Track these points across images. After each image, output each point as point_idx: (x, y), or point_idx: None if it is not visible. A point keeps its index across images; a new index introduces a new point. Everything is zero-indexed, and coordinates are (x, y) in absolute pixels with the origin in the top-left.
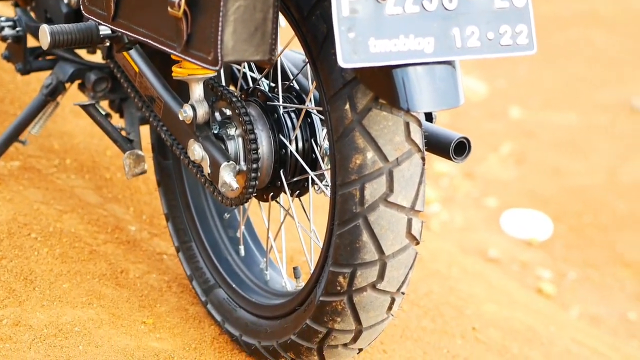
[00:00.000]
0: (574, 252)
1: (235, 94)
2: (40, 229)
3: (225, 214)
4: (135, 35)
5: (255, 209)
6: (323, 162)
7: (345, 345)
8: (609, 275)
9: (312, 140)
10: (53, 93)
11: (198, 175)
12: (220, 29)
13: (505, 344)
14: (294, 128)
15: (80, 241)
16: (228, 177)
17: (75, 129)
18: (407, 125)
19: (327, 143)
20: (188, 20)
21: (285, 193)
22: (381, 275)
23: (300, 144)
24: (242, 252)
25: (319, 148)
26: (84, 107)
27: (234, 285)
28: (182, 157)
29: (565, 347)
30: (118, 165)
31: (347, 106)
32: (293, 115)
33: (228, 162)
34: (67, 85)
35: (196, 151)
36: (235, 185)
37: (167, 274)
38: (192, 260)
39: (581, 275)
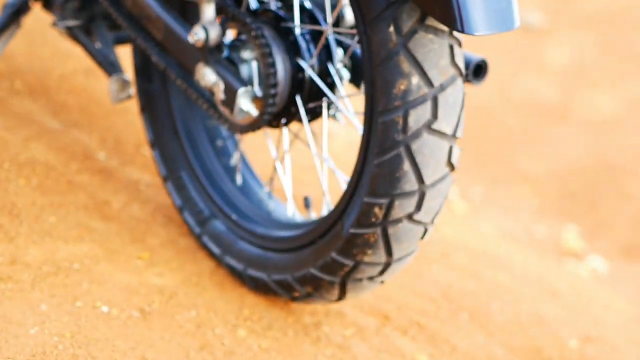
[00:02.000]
0: (475, 169)
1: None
2: (10, 159)
3: (218, 141)
4: None
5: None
6: (341, 85)
7: (371, 278)
8: (512, 190)
9: (329, 63)
10: (17, 13)
11: (202, 102)
12: None
13: (476, 268)
14: (309, 50)
15: (54, 171)
16: (246, 104)
17: (15, 50)
18: (451, 48)
19: (340, 66)
20: None
21: (301, 120)
22: (419, 206)
23: (317, 68)
24: (240, 181)
25: (336, 71)
26: (68, 29)
27: (234, 217)
28: (181, 82)
29: (524, 268)
30: (68, 88)
31: (391, 28)
32: (308, 37)
33: (246, 87)
34: (31, 4)
35: (207, 76)
36: (255, 111)
37: (148, 204)
38: (182, 190)
39: (486, 192)
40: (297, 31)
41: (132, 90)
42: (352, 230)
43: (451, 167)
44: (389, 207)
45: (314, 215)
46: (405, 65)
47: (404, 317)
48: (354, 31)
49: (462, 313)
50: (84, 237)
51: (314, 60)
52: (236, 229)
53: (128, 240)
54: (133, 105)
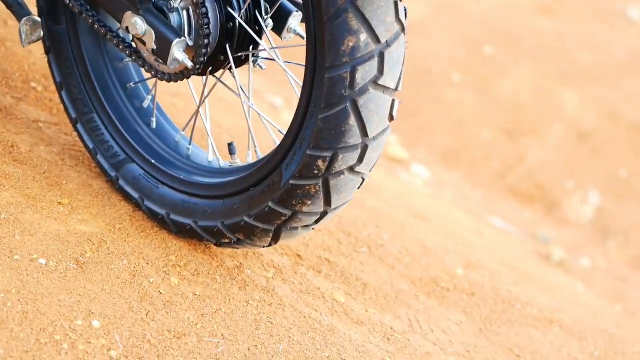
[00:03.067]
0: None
1: None
2: None
3: (129, 84)
4: None
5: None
6: (266, 34)
7: (306, 226)
8: None
9: (257, 12)
10: None
11: (123, 48)
12: None
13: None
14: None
15: None
16: (180, 54)
17: None
18: (395, 4)
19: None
20: None
21: (230, 68)
22: (361, 158)
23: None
24: (154, 124)
25: (263, 20)
26: None
27: (153, 161)
28: (100, 27)
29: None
30: None
31: None
32: None
33: (180, 38)
34: None
35: (138, 25)
36: (189, 62)
37: (53, 145)
38: (94, 132)
39: None
40: None
41: (42, 31)
42: (292, 182)
43: (391, 119)
44: (332, 160)
45: (238, 161)
46: (354, 22)
47: (312, 254)
48: None
49: (362, 247)
50: (3, 184)
51: (243, 10)
52: (156, 173)
53: (45, 185)
54: (8, 37)
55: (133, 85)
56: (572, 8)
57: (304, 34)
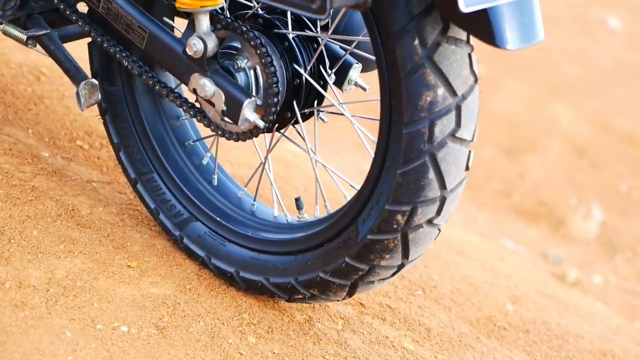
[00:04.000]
0: None
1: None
2: None
3: (187, 142)
4: None
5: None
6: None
7: (382, 279)
8: None
9: (321, 67)
10: None
11: (187, 109)
12: None
13: None
14: (303, 57)
15: (13, 177)
16: (251, 115)
17: None
18: (470, 57)
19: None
20: None
21: (297, 123)
22: (439, 211)
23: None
24: (215, 182)
25: (328, 75)
26: (37, 38)
27: (218, 219)
28: (162, 89)
29: None
30: None
31: (416, 42)
32: (300, 43)
33: (251, 98)
34: None
35: (207, 87)
36: (261, 122)
37: (111, 205)
38: (155, 192)
39: None
40: (291, 37)
41: (100, 94)
42: (370, 237)
43: (467, 169)
44: (412, 214)
45: (306, 216)
46: (431, 78)
47: (374, 302)
48: (349, 38)
49: (417, 290)
50: (72, 250)
51: (310, 66)
52: (221, 230)
53: (111, 248)
54: (45, 93)
55: (192, 144)
56: (555, 22)
57: (365, 86)
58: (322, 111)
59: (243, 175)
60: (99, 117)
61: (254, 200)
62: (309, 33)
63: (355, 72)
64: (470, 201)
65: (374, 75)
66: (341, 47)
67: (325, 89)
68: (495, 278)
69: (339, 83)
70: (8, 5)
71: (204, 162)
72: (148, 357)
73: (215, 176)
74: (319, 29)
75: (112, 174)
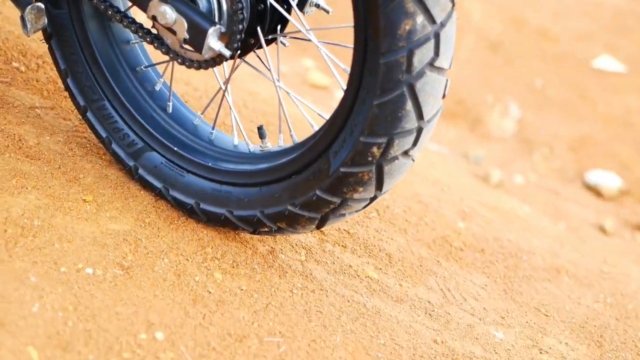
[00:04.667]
0: None
1: None
2: None
3: (139, 68)
4: None
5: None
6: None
7: (353, 211)
8: None
9: None
10: None
11: (143, 35)
12: None
13: None
14: None
15: None
16: (216, 43)
17: None
18: None
19: None
20: None
21: (261, 48)
22: (415, 142)
23: None
24: (170, 109)
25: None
26: None
27: (175, 148)
28: (118, 16)
29: None
30: None
31: None
32: None
33: (215, 26)
34: None
35: (168, 14)
36: (226, 51)
37: (57, 133)
38: (107, 121)
39: None
40: None
41: (46, 18)
42: (343, 169)
43: (443, 97)
44: (388, 146)
45: (269, 146)
46: (410, 5)
47: (332, 228)
48: None
49: (371, 212)
50: (25, 185)
51: None
52: (179, 161)
53: (64, 181)
54: None
55: (144, 69)
56: None
57: (327, 8)
58: (292, 37)
59: (197, 99)
60: (43, 41)
61: (213, 129)
62: None
63: None
64: None
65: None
66: None
67: (289, 12)
68: (441, 192)
69: (301, 6)
70: None
71: (157, 88)
72: (116, 300)
73: (170, 103)
74: None
75: (54, 98)
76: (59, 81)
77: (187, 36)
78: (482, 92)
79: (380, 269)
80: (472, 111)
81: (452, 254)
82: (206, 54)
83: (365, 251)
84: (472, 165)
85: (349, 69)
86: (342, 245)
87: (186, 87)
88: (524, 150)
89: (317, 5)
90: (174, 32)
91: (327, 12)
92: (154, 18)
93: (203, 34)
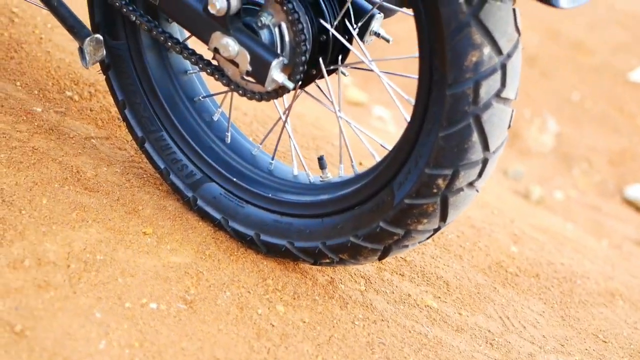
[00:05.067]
0: None
1: None
2: None
3: (197, 98)
4: None
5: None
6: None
7: (416, 242)
8: None
9: (347, 22)
10: None
11: (204, 67)
12: None
13: None
14: (330, 12)
15: (11, 138)
16: (279, 75)
17: None
18: (514, 12)
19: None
20: None
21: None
22: (480, 174)
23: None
24: (229, 139)
25: (354, 29)
26: None
27: (234, 179)
28: (178, 47)
29: None
30: None
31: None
32: None
33: (278, 58)
34: None
35: (230, 47)
36: (290, 84)
37: (114, 164)
38: (165, 152)
39: None
40: None
41: (104, 49)
42: (408, 201)
43: (509, 128)
44: (453, 178)
45: (330, 176)
46: (477, 37)
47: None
48: None
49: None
50: (85, 218)
51: (337, 21)
52: (238, 191)
53: (124, 214)
54: (22, 37)
55: (202, 99)
56: None
57: (388, 37)
58: (354, 68)
59: (247, 125)
60: (99, 71)
61: (272, 159)
62: None
63: (377, 23)
64: None
65: (396, 26)
66: None
67: (350, 43)
68: (491, 215)
69: (360, 35)
70: None
71: (215, 118)
72: (181, 335)
73: (229, 133)
74: None
75: (108, 127)
76: (113, 110)
77: (249, 68)
78: (519, 106)
79: (439, 297)
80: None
81: (508, 280)
82: (269, 86)
83: (423, 279)
84: (511, 181)
85: (412, 100)
86: (400, 274)
87: (235, 112)
88: (563, 165)
89: (377, 34)
90: (236, 64)
91: (388, 41)
92: (215, 50)
93: (266, 66)
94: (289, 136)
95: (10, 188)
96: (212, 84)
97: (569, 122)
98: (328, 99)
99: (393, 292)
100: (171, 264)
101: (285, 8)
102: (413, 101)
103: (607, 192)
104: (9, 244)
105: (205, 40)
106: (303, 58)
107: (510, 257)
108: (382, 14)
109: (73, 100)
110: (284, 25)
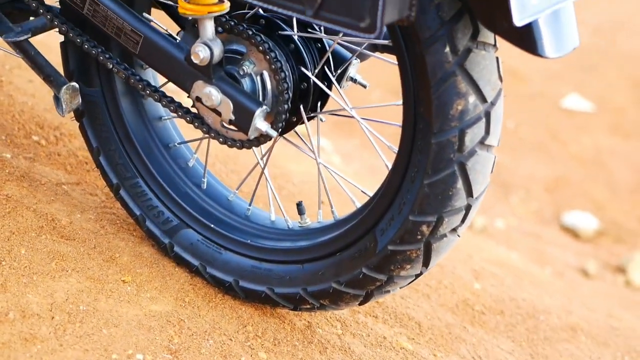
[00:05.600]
0: None
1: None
2: None
3: (172, 144)
4: None
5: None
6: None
7: (398, 287)
8: None
9: (327, 69)
10: None
11: (183, 115)
12: None
13: None
14: (311, 58)
15: None
16: (263, 124)
17: None
18: (497, 60)
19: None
20: None
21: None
22: (463, 219)
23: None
24: (205, 185)
25: (333, 76)
26: (16, 43)
27: (212, 225)
28: (156, 95)
29: None
30: None
31: (447, 49)
32: (306, 44)
33: (262, 107)
34: None
35: (213, 96)
36: (274, 132)
37: (87, 210)
38: (141, 198)
39: None
40: (296, 38)
41: (80, 97)
42: (391, 247)
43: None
44: (437, 224)
45: (309, 222)
46: (462, 85)
47: None
48: (362, 40)
49: None
50: (65, 268)
51: (319, 68)
52: (216, 238)
53: (102, 262)
54: None
55: (177, 145)
56: None
57: (364, 82)
58: (332, 114)
59: (227, 173)
60: (73, 119)
61: (250, 205)
62: (317, 35)
63: (354, 69)
64: (363, 146)
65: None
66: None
67: (329, 88)
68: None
69: (337, 80)
70: None
71: (190, 164)
72: None
73: (205, 179)
74: (322, 30)
75: (77, 172)
76: (79, 154)
77: (232, 117)
78: None
79: (413, 338)
80: None
81: (476, 318)
82: (252, 135)
83: (396, 320)
84: None
85: (394, 147)
86: (374, 316)
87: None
88: (501, 193)
89: (354, 80)
90: (218, 113)
91: (364, 86)
92: (197, 99)
93: (250, 115)
94: (267, 182)
95: None
96: (185, 130)
97: (506, 150)
98: (308, 146)
99: (369, 335)
100: (153, 312)
101: (267, 57)
102: (395, 148)
103: (544, 219)
104: None
105: (187, 89)
106: (286, 106)
107: (474, 294)
108: (358, 60)
109: (40, 144)
110: (265, 74)
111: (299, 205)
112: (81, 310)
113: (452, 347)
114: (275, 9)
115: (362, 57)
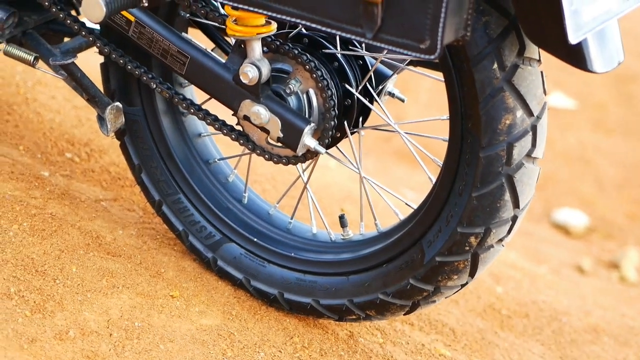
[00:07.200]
0: None
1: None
2: None
3: (212, 160)
4: (295, 19)
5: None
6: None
7: (443, 298)
8: None
9: (369, 85)
10: None
11: (228, 133)
12: (442, 17)
13: None
14: (354, 75)
15: (28, 205)
16: (311, 141)
17: None
18: (542, 75)
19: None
20: (383, 5)
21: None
22: (510, 230)
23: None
24: (246, 200)
25: (375, 92)
26: (64, 66)
27: (255, 239)
28: (200, 114)
29: None
30: None
31: (495, 65)
32: (349, 62)
33: (310, 125)
34: None
35: (262, 115)
36: (322, 149)
37: (128, 226)
38: (183, 214)
39: None
40: (339, 56)
41: (123, 116)
42: (439, 259)
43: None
44: (485, 236)
45: (351, 234)
46: (510, 101)
47: None
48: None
49: None
50: (115, 284)
51: (362, 85)
52: (259, 251)
53: (148, 277)
54: (10, 99)
55: (217, 161)
56: None
57: (402, 97)
58: (376, 129)
59: (266, 187)
60: (114, 138)
61: (291, 218)
62: (360, 52)
63: (391, 84)
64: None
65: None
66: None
67: (372, 103)
68: None
69: (377, 95)
70: (7, 24)
71: (230, 179)
72: None
73: (246, 194)
74: (363, 47)
75: (113, 188)
76: (112, 169)
77: (281, 135)
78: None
79: (449, 345)
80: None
81: (504, 323)
82: (300, 152)
83: (431, 327)
84: None
85: (439, 161)
86: (410, 324)
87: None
88: None
89: (392, 94)
90: (266, 131)
91: (402, 100)
92: (245, 118)
93: (299, 132)
94: (309, 196)
95: (39, 257)
96: (222, 146)
97: None
98: (350, 160)
99: (408, 343)
100: (203, 326)
101: (314, 75)
102: (440, 162)
103: (535, 216)
104: (51, 315)
105: (234, 108)
106: (332, 123)
107: (499, 298)
108: (395, 75)
109: (74, 161)
110: (312, 91)
111: (341, 217)
112: (136, 326)
113: (487, 352)
114: (334, 32)
115: (398, 70)
